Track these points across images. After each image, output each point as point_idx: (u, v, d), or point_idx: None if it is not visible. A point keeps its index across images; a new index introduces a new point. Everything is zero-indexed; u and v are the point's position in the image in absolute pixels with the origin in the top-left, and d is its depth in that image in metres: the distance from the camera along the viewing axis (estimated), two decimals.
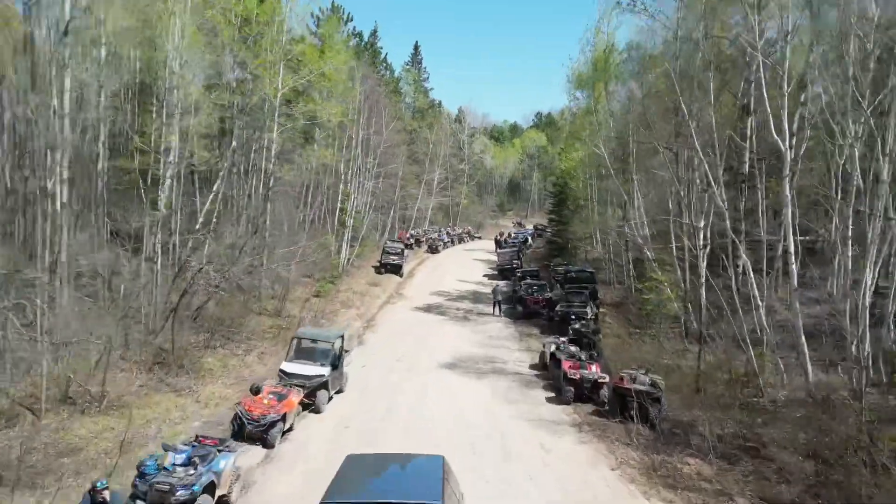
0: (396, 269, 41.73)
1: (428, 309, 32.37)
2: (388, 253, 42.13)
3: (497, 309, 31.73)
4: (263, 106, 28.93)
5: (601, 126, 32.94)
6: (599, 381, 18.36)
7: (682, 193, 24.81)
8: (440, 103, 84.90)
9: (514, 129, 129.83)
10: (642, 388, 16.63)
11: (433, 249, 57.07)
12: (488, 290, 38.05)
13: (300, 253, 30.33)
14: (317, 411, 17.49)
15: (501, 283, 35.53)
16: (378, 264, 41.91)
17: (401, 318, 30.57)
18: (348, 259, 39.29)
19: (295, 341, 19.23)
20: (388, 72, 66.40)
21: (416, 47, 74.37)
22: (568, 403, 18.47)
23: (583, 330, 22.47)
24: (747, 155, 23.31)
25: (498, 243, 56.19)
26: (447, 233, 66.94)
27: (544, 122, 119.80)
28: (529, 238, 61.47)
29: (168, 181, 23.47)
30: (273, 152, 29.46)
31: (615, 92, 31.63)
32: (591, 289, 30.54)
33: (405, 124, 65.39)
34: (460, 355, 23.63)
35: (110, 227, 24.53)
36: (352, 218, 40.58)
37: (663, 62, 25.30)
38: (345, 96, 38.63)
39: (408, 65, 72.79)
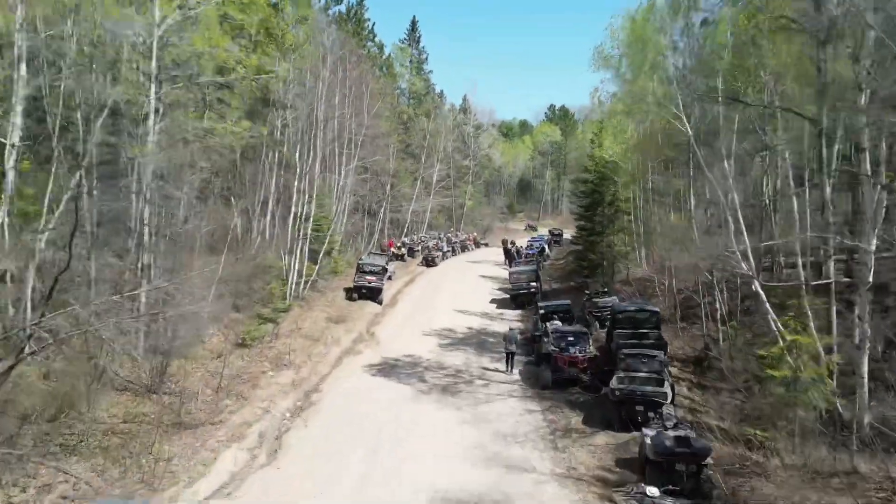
0: (373, 295, 31.23)
1: (405, 369, 21.46)
2: (364, 272, 31.60)
3: (510, 365, 21.14)
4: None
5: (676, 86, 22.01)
6: None
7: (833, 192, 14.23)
8: (441, 93, 74.49)
9: (524, 126, 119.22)
10: None
11: (429, 262, 46.51)
12: (497, 325, 27.44)
13: (216, 279, 19.90)
14: None
15: (515, 326, 24.12)
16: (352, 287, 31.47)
17: (359, 388, 19.57)
18: (307, 281, 28.89)
19: None
20: (377, 49, 55.84)
21: (414, 23, 63.85)
22: None
23: (678, 450, 11.76)
24: None
25: (508, 254, 45.36)
26: (448, 240, 56.33)
27: (558, 116, 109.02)
28: (546, 247, 50.74)
29: None
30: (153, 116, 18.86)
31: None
32: (656, 336, 19.93)
33: (398, 109, 54.82)
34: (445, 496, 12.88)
35: None
36: (313, 224, 30.03)
37: None
38: (300, 56, 28.14)
39: (403, 42, 62.20)
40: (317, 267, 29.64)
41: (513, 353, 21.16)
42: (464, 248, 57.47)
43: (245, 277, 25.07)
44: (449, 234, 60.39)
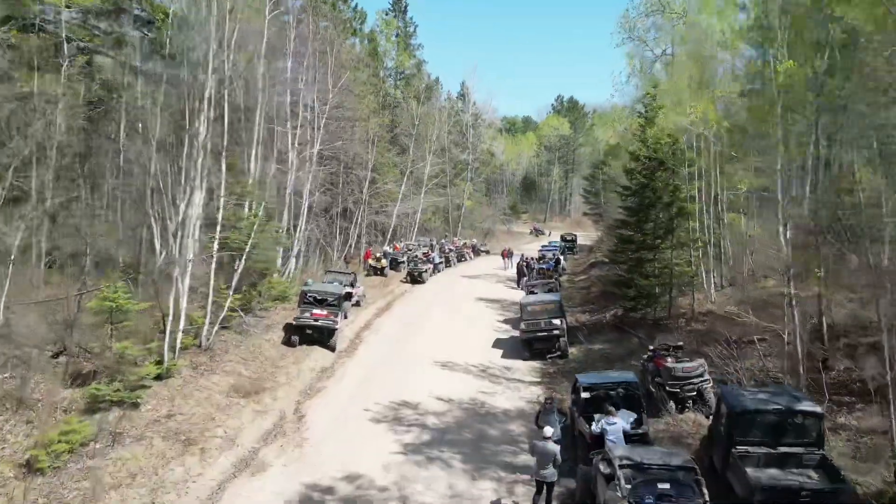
0: (324, 337, 21.31)
1: None
2: (309, 303, 21.65)
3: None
4: None
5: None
6: None
7: None
8: (437, 80, 64.46)
9: (528, 123, 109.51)
10: None
11: (415, 277, 36.58)
12: (504, 396, 17.50)
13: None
14: None
15: (549, 433, 11.43)
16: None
17: None
18: (227, 319, 18.98)
19: None
20: (352, 13, 45.79)
21: None
22: None
23: None
24: None
25: (520, 272, 35.24)
26: (440, 248, 46.38)
27: (567, 108, 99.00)
28: (562, 258, 40.67)
29: None
30: None
31: None
32: (821, 464, 10.06)
33: (377, 85, 44.87)
34: None
35: None
36: (234, 233, 20.12)
37: None
38: None
39: (389, 13, 52.15)
40: (230, 297, 19.67)
41: (549, 484, 11.09)
42: (460, 258, 47.52)
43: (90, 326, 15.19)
44: (443, 241, 50.41)
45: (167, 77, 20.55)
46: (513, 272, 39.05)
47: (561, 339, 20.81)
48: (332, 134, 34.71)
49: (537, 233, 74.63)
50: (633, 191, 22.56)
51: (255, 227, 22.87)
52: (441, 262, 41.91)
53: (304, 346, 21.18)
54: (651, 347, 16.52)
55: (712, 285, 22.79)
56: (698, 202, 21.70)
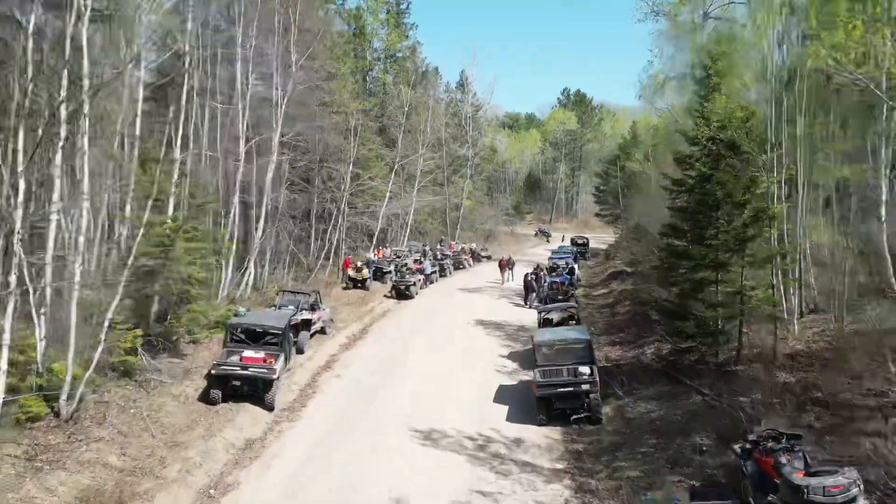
0: (258, 389, 15.16)
1: None
2: (238, 342, 15.58)
3: None
4: None
5: None
6: None
7: None
8: (437, 70, 58.32)
9: (531, 120, 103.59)
10: None
11: (401, 292, 30.44)
12: (511, 502, 11.23)
13: None
14: None
15: None
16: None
17: None
18: (79, 382, 12.84)
19: None
20: None
21: None
22: None
23: None
24: None
25: (527, 288, 28.92)
26: (434, 254, 40.29)
27: (574, 101, 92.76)
28: (576, 267, 34.37)
29: None
30: None
31: None
32: None
33: (360, 68, 38.74)
34: None
35: None
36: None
37: None
38: None
39: None
40: (133, 334, 13.55)
41: None
42: (458, 265, 41.32)
43: None
44: (438, 246, 44.28)
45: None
46: (514, 285, 32.92)
47: (591, 396, 14.59)
48: (303, 120, 28.59)
49: (543, 234, 68.37)
50: (688, 186, 16.26)
51: (179, 233, 16.93)
52: (434, 272, 35.73)
53: (230, 404, 15.05)
54: (750, 437, 10.24)
55: (795, 315, 16.58)
56: (784, 200, 15.47)
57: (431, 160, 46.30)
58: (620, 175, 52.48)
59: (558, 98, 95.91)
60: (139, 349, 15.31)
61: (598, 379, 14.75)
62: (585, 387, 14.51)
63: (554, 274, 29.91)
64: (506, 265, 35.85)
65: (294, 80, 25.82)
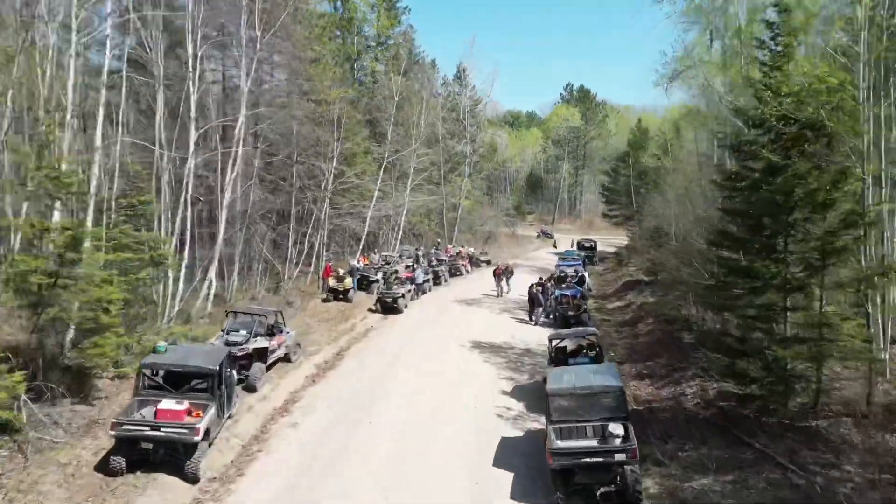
0: (177, 454, 11.19)
1: None
2: (157, 387, 11.68)
3: None
4: None
5: None
6: None
7: None
8: (434, 63, 54.49)
9: (532, 119, 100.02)
10: None
11: (387, 305, 26.53)
12: None
13: None
14: None
15: None
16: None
17: None
18: None
19: None
20: None
21: None
22: None
23: None
24: None
25: (532, 296, 24.93)
26: (429, 259, 36.41)
27: (577, 97, 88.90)
28: (586, 275, 30.41)
29: None
30: None
31: None
32: None
33: (344, 52, 34.81)
34: None
35: None
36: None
37: None
38: None
39: None
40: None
41: None
42: (454, 272, 37.39)
43: None
44: (433, 251, 40.38)
45: None
46: (514, 296, 29.01)
47: (627, 468, 10.62)
48: (274, 108, 24.69)
49: (545, 236, 64.51)
50: (750, 181, 12.30)
51: (86, 241, 13.11)
52: (427, 281, 31.78)
53: (138, 475, 11.14)
54: None
55: (886, 352, 12.65)
56: (888, 199, 11.57)
57: (426, 157, 42.37)
58: (632, 173, 48.48)
59: (561, 94, 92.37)
60: (22, 398, 11.47)
61: (636, 444, 10.81)
62: (620, 456, 10.56)
63: (563, 285, 25.92)
64: (502, 274, 31.15)
65: (258, 58, 21.90)
